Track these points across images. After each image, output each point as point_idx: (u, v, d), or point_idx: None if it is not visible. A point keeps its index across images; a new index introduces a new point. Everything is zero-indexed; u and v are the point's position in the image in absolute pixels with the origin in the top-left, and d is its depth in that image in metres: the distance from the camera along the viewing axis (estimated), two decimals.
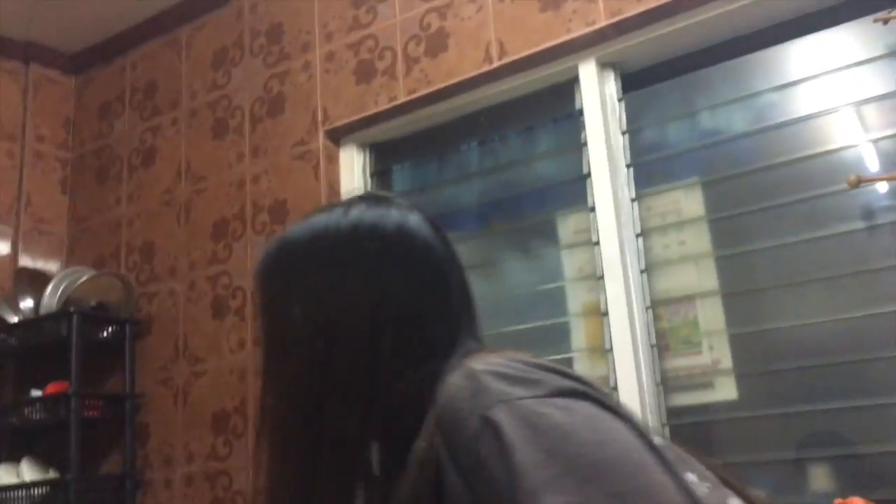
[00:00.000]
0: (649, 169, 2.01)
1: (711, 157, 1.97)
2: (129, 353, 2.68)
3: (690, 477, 0.62)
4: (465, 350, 0.71)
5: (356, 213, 0.75)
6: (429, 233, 0.76)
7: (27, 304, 2.74)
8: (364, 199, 0.77)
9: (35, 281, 2.78)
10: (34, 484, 2.49)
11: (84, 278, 2.67)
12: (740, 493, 0.69)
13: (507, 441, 0.57)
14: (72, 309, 2.56)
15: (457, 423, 0.61)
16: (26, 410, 2.58)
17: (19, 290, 2.78)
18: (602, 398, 0.62)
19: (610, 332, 1.91)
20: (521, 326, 2.11)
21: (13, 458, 2.61)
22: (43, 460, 2.60)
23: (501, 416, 0.58)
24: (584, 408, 0.59)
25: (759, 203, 1.85)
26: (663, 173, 2.00)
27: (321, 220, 0.76)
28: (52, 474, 2.54)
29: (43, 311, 2.65)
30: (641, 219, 1.98)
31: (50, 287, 2.66)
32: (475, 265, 2.26)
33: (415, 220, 0.76)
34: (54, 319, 2.59)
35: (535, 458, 0.55)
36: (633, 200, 1.98)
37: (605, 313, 1.93)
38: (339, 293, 0.71)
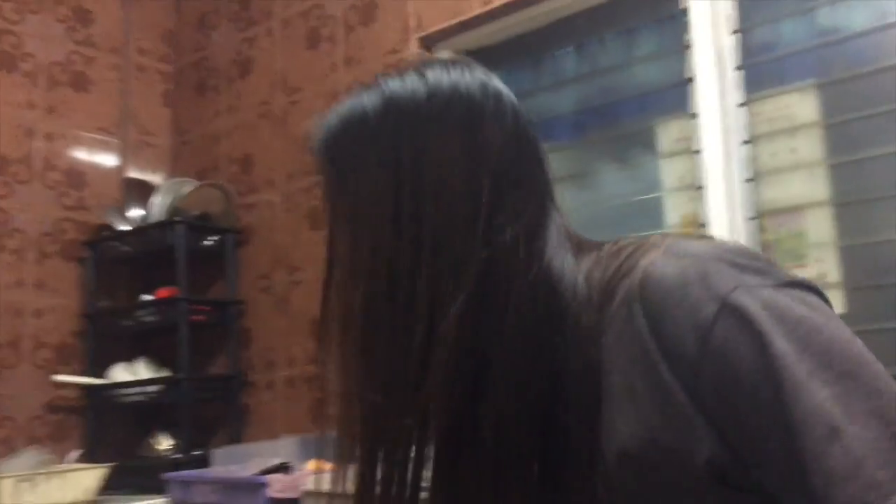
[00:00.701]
0: (760, 71, 1.89)
1: (828, 58, 1.83)
2: (230, 261, 2.79)
3: None
4: (564, 222, 0.69)
5: (433, 76, 0.69)
6: (511, 95, 0.71)
7: (136, 213, 2.87)
8: (438, 62, 0.71)
9: (142, 191, 2.90)
10: (149, 381, 2.67)
11: (188, 189, 2.76)
12: None
13: (759, 328, 0.53)
14: (177, 218, 2.67)
15: (682, 309, 0.55)
16: (139, 313, 2.74)
17: (128, 199, 2.91)
18: (821, 291, 0.59)
19: None
20: (617, 238, 2.06)
21: (129, 357, 2.79)
22: (156, 360, 2.77)
23: (748, 302, 0.54)
24: (818, 302, 0.56)
25: (878, 107, 1.71)
26: (775, 76, 1.88)
27: (395, 85, 0.69)
28: (165, 373, 2.71)
29: (150, 219, 2.77)
30: (749, 125, 1.87)
31: (156, 197, 2.77)
32: (570, 175, 2.21)
33: (497, 82, 0.70)
34: (161, 228, 2.71)
35: (793, 348, 0.52)
36: (740, 105, 1.88)
37: (705, 225, 1.86)
38: (428, 156, 0.66)
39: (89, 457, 2.60)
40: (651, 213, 2.03)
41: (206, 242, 2.76)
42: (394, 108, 0.68)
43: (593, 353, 0.61)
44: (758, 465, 0.53)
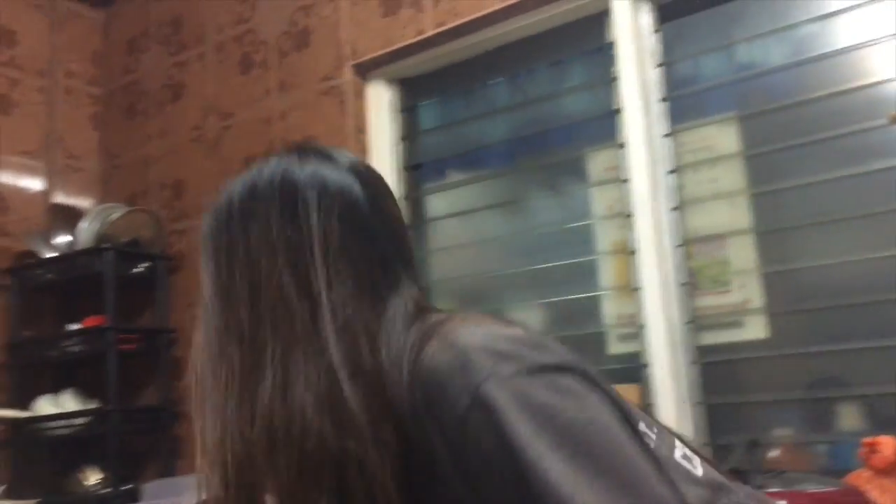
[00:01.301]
0: (683, 104, 1.96)
1: (747, 91, 1.91)
2: (161, 288, 2.73)
3: (642, 426, 0.70)
4: (412, 300, 0.75)
5: (272, 167, 0.78)
6: (348, 181, 0.78)
7: (62, 239, 2.79)
8: (290, 152, 0.80)
9: (69, 217, 2.82)
10: (76, 414, 2.58)
11: (117, 215, 2.70)
12: (681, 440, 0.77)
13: (501, 417, 0.60)
14: (105, 245, 2.61)
15: (445, 398, 0.62)
16: (65, 343, 2.65)
17: (54, 225, 2.82)
18: (584, 370, 0.65)
19: (639, 270, 1.90)
20: (548, 265, 2.10)
21: (55, 388, 2.70)
22: (84, 392, 2.68)
23: (493, 393, 0.60)
24: (570, 384, 0.63)
25: (795, 139, 1.79)
26: (697, 108, 1.95)
27: (245, 178, 0.79)
28: (93, 405, 2.63)
29: (78, 246, 2.70)
30: (674, 155, 1.94)
31: (84, 223, 2.70)
32: (502, 203, 2.24)
33: (329, 170, 0.78)
34: (89, 255, 2.63)
35: (532, 432, 0.59)
36: (665, 136, 1.94)
37: (634, 251, 1.91)
38: (259, 243, 0.74)
39: (13, 492, 2.49)
40: (582, 240, 2.07)
41: (136, 269, 2.70)
42: (235, 199, 0.78)
43: (405, 412, 0.67)
44: None
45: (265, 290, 0.73)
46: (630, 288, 1.95)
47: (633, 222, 1.92)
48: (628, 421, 0.64)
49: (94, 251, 2.63)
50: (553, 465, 0.58)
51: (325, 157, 0.80)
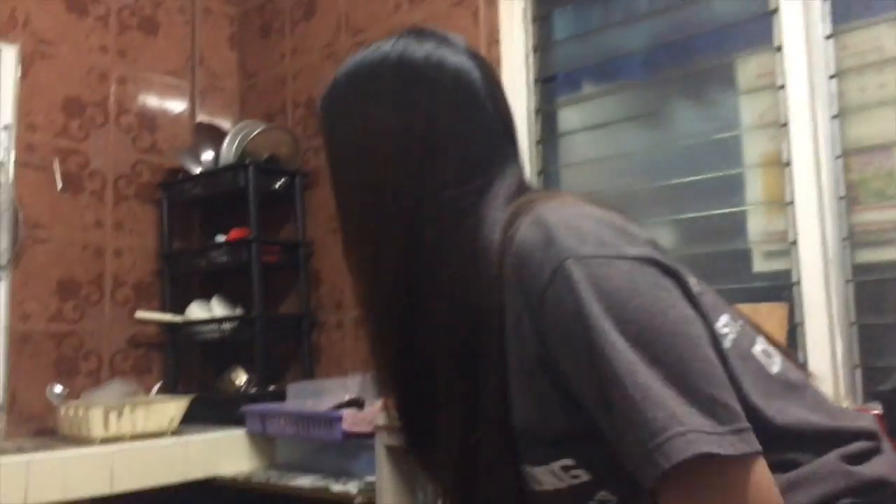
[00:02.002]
0: (847, 2, 1.80)
1: None
2: (299, 203, 2.83)
3: (723, 320, 0.72)
4: (515, 181, 0.79)
5: (388, 47, 0.81)
6: (466, 63, 0.80)
7: (207, 156, 2.92)
8: (408, 33, 0.83)
9: (212, 135, 2.95)
10: (224, 319, 2.75)
11: (256, 132, 2.80)
12: (767, 337, 0.78)
13: (577, 292, 0.64)
14: (247, 161, 2.71)
15: (530, 270, 0.68)
16: (212, 254, 2.81)
17: (198, 142, 2.96)
18: (663, 263, 0.68)
19: (792, 183, 1.79)
20: (690, 178, 2.02)
21: (204, 296, 2.88)
22: (230, 299, 2.85)
23: (573, 270, 0.65)
24: (646, 274, 0.66)
25: None
26: (864, 6, 1.78)
27: (361, 56, 0.83)
28: (238, 312, 2.79)
29: (222, 162, 2.82)
30: (836, 58, 1.79)
31: (227, 140, 2.81)
32: (643, 114, 2.16)
33: (448, 51, 0.80)
34: (232, 170, 2.75)
35: (600, 310, 0.63)
36: (827, 37, 1.79)
37: (788, 163, 1.80)
38: (374, 119, 0.79)
39: (170, 389, 2.71)
40: (729, 152, 1.97)
41: (275, 185, 2.80)
42: (353, 77, 0.82)
43: (498, 297, 0.72)
44: (588, 405, 0.66)
45: (379, 166, 0.78)
46: (781, 202, 1.84)
47: (787, 132, 1.80)
48: (704, 319, 0.67)
49: (236, 167, 2.74)
50: (617, 344, 0.62)
51: (442, 39, 0.82)
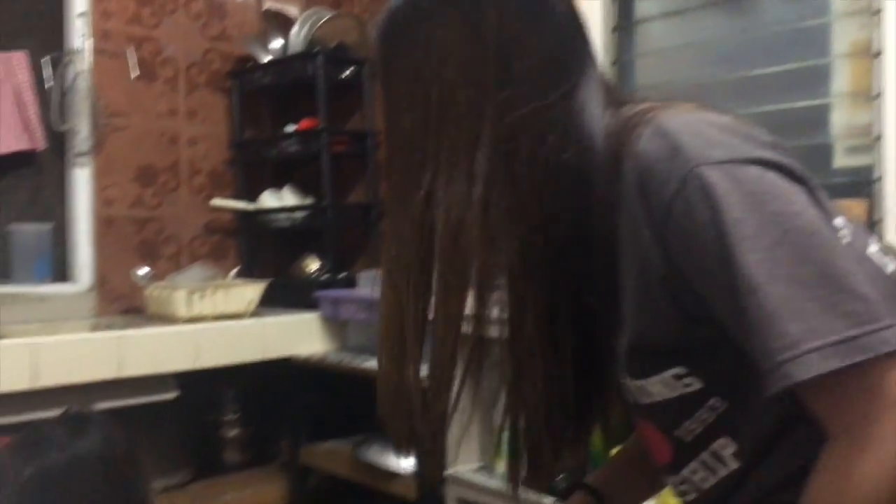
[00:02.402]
0: None
1: None
2: (367, 92, 2.82)
3: (839, 221, 0.69)
4: (599, 84, 0.77)
5: None
6: None
7: (276, 44, 2.92)
8: None
9: (280, 22, 2.93)
10: (295, 208, 2.83)
11: (324, 19, 2.77)
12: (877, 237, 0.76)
13: (712, 194, 0.63)
14: (316, 49, 2.70)
15: (655, 182, 0.66)
16: (283, 143, 2.86)
17: (268, 30, 2.96)
18: (790, 166, 0.66)
19: (881, 75, 1.71)
20: (772, 69, 1.94)
21: (276, 184, 2.95)
22: (301, 188, 2.91)
23: (706, 174, 0.64)
24: (775, 178, 0.65)
25: None
26: None
27: None
28: (309, 200, 2.86)
29: (290, 50, 2.82)
30: None
31: (295, 28, 2.80)
32: (724, 0, 2.06)
33: None
34: (301, 59, 2.75)
35: (738, 212, 0.62)
36: None
37: (878, 53, 1.72)
38: (441, 42, 0.75)
39: (246, 274, 2.83)
40: (815, 41, 1.88)
41: (344, 74, 2.79)
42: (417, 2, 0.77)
43: (610, 197, 0.70)
44: (713, 305, 0.66)
45: (455, 89, 0.74)
46: (867, 95, 1.77)
47: (880, 20, 1.70)
48: (828, 220, 0.66)
49: (305, 55, 2.74)
50: (755, 251, 0.61)
51: None
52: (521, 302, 0.72)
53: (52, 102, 2.58)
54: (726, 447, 0.72)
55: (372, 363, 2.26)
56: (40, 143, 2.52)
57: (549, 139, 0.71)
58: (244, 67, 2.95)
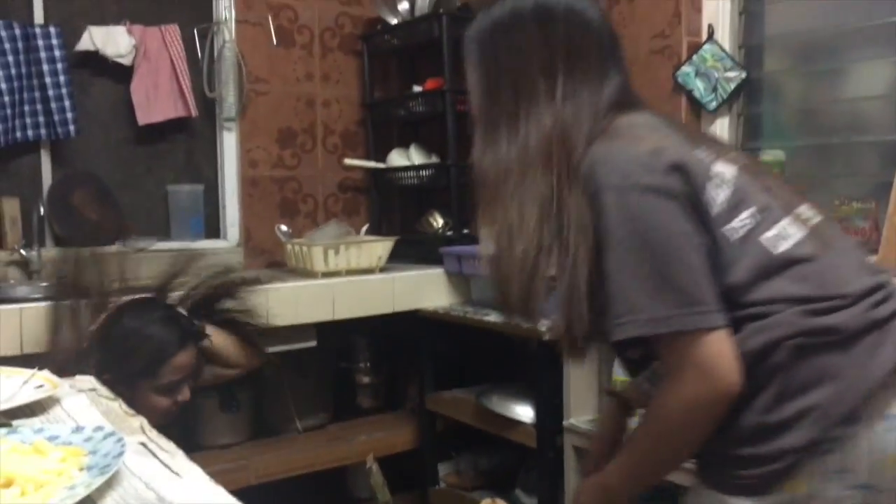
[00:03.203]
0: None
1: None
2: None
3: (745, 214, 0.98)
4: (617, 86, 1.09)
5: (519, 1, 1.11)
6: (593, 11, 1.11)
7: (403, 6, 3.01)
8: None
9: None
10: (421, 167, 2.94)
11: None
12: (799, 216, 1.02)
13: (605, 210, 0.97)
14: (441, 10, 2.77)
15: (588, 181, 1.00)
16: (410, 104, 2.96)
17: None
18: (667, 188, 0.96)
19: None
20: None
21: (403, 144, 3.07)
22: (426, 147, 3.02)
23: (603, 196, 0.98)
24: (650, 200, 0.95)
25: None
26: None
27: (500, 6, 1.12)
28: (433, 159, 2.96)
29: (417, 12, 2.90)
30: None
31: None
32: None
33: (581, 4, 1.11)
34: (427, 21, 2.83)
35: (617, 222, 0.96)
36: None
37: None
38: (523, 45, 1.09)
39: (375, 230, 2.99)
40: None
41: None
42: (508, 17, 1.11)
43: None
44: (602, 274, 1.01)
45: (523, 84, 1.08)
46: None
47: None
48: (707, 226, 0.96)
49: (431, 17, 2.82)
50: (614, 251, 0.96)
51: None
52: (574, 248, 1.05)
53: (203, 71, 2.80)
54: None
55: (494, 316, 2.37)
56: (193, 109, 2.75)
57: (584, 120, 1.06)
58: (374, 30, 3.06)
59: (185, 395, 1.55)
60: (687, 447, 0.98)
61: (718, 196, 0.97)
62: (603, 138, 1.02)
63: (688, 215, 0.95)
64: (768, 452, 0.92)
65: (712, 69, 2.30)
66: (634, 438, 1.06)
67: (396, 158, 3.03)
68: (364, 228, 2.86)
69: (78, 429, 0.86)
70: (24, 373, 1.10)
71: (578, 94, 1.06)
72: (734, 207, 0.97)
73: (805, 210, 1.03)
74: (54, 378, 1.10)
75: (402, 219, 3.20)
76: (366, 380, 2.85)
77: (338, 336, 2.64)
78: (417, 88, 2.95)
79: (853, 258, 1.02)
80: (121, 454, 0.76)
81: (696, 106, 2.35)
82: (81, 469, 0.75)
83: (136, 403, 1.41)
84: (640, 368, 1.20)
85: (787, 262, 0.96)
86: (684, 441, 0.96)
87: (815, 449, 0.90)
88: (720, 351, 0.91)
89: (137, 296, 1.64)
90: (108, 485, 0.73)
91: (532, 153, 1.06)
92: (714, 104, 2.31)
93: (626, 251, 0.94)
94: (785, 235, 0.97)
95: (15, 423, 0.94)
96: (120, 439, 0.81)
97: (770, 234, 0.97)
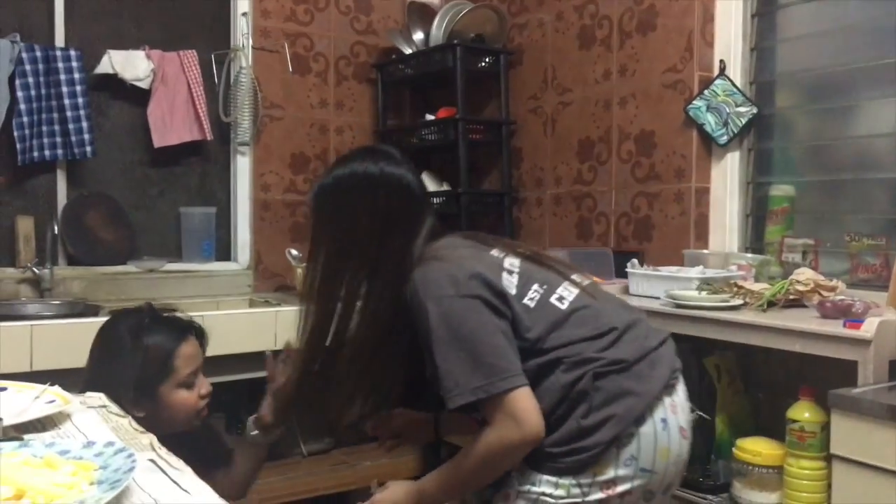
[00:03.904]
0: None
1: None
2: (503, 82, 2.91)
3: (533, 289, 1.33)
4: (430, 226, 1.39)
5: (355, 166, 1.41)
6: (407, 176, 1.40)
7: (418, 36, 3.06)
8: (374, 154, 1.43)
9: (423, 14, 3.06)
10: (432, 194, 2.96)
11: (464, 11, 2.87)
12: (573, 282, 1.38)
13: (427, 315, 1.27)
14: (455, 41, 2.81)
15: (413, 298, 1.30)
16: (423, 132, 2.99)
17: (411, 23, 3.09)
18: (470, 293, 1.27)
19: None
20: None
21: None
22: (438, 175, 3.04)
23: (426, 304, 1.27)
24: (460, 303, 1.26)
25: None
26: None
27: (344, 168, 1.42)
28: (445, 187, 2.98)
29: (431, 42, 2.94)
30: None
31: (436, 20, 2.92)
32: None
33: (399, 170, 1.40)
34: (441, 51, 2.87)
35: (436, 322, 1.26)
36: None
37: None
38: (353, 213, 1.38)
39: None
40: None
41: (481, 64, 2.89)
42: (340, 183, 1.41)
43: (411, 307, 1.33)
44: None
45: (358, 237, 1.37)
46: None
47: None
48: (504, 310, 1.28)
49: (444, 47, 2.86)
50: (438, 344, 1.25)
51: (390, 157, 1.41)
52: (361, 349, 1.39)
53: (219, 96, 2.84)
54: None
55: None
56: (208, 133, 2.78)
57: (401, 257, 1.35)
58: (388, 59, 3.11)
59: (206, 387, 1.56)
60: (498, 473, 1.31)
61: (513, 280, 1.31)
62: (420, 265, 1.31)
63: (489, 308, 1.27)
64: (584, 445, 1.25)
65: (723, 104, 2.32)
66: (458, 462, 1.33)
67: None
68: None
69: (89, 444, 0.87)
70: (36, 388, 1.11)
71: (394, 246, 1.36)
72: (524, 286, 1.31)
73: (576, 277, 1.39)
74: (65, 394, 1.11)
75: None
76: None
77: None
78: (430, 117, 2.98)
79: (615, 302, 1.42)
80: (131, 469, 0.77)
81: (707, 140, 2.37)
82: (92, 483, 0.76)
83: (162, 411, 1.44)
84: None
85: (569, 313, 1.31)
86: (498, 469, 1.31)
87: (616, 442, 1.24)
88: (525, 406, 1.24)
89: (121, 308, 1.66)
90: (118, 500, 0.73)
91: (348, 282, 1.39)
92: (725, 138, 2.33)
93: (446, 344, 1.24)
94: (565, 296, 1.33)
95: (26, 437, 0.95)
96: (130, 455, 0.81)
97: (554, 297, 1.32)
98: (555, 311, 1.30)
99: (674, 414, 1.30)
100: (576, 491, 1.26)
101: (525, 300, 1.30)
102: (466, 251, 1.35)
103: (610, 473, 1.25)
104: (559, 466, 1.27)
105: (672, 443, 1.28)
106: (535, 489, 1.28)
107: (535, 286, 1.32)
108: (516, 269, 1.33)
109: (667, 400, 1.30)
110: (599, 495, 1.25)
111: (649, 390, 1.27)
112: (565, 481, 1.26)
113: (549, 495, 1.27)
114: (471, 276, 1.27)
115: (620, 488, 1.25)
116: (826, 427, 1.55)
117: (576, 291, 1.35)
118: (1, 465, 0.75)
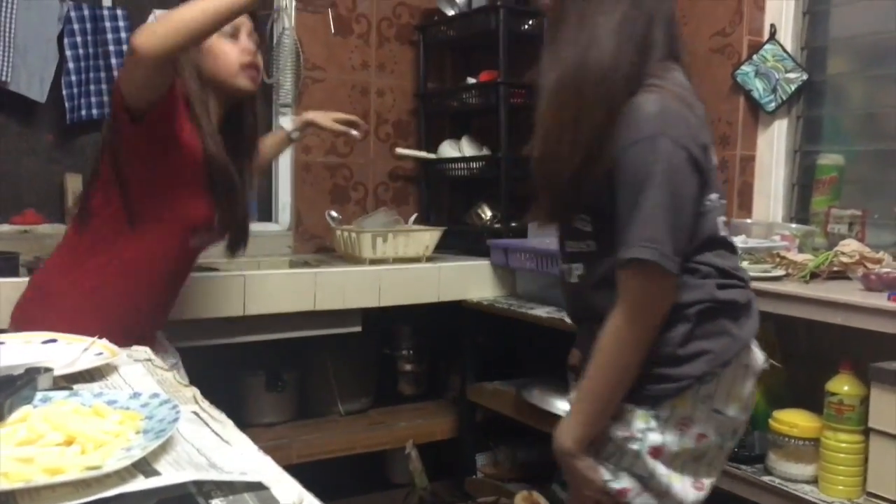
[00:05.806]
0: None
1: None
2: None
3: (713, 196, 1.26)
4: (660, 64, 1.25)
5: None
6: None
7: None
8: None
9: None
10: (472, 158, 2.95)
11: None
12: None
13: (659, 149, 1.17)
14: (499, 2, 2.77)
15: (628, 128, 1.19)
16: (464, 95, 2.97)
17: None
18: (694, 154, 1.19)
19: None
20: None
21: (455, 135, 3.09)
22: (478, 139, 3.03)
23: (661, 139, 1.17)
24: (691, 169, 1.19)
25: None
26: None
27: None
28: (485, 151, 2.97)
29: (474, 4, 2.91)
30: None
31: None
32: None
33: None
34: (484, 13, 2.84)
35: (663, 167, 1.16)
36: None
37: None
38: (597, 25, 1.26)
39: (423, 220, 3.01)
40: None
41: (524, 26, 2.85)
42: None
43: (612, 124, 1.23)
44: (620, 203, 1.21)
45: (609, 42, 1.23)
46: None
47: None
48: (701, 188, 1.21)
49: (488, 9, 2.82)
50: (659, 188, 1.16)
51: None
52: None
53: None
54: (578, 269, 1.35)
55: (539, 311, 2.37)
56: None
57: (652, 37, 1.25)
58: (431, 21, 3.08)
59: (250, 47, 1.62)
60: (638, 355, 1.22)
61: (710, 166, 1.25)
62: (662, 90, 1.20)
63: (698, 173, 1.20)
64: (672, 374, 1.23)
65: (773, 70, 2.26)
66: (595, 356, 1.24)
67: (448, 149, 3.04)
68: (413, 218, 2.88)
69: (135, 395, 0.90)
70: (85, 340, 1.15)
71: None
72: (709, 185, 1.24)
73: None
74: (113, 347, 1.15)
75: (450, 210, 3.22)
76: (408, 367, 2.88)
77: (382, 323, 2.67)
78: (471, 80, 2.96)
79: (737, 253, 1.38)
80: (175, 420, 0.79)
81: (754, 106, 2.31)
82: (138, 432, 0.79)
83: (203, 59, 1.57)
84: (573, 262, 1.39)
85: (720, 243, 1.28)
86: (635, 349, 1.21)
87: (702, 378, 1.24)
88: (669, 294, 1.21)
89: None
90: (163, 448, 0.76)
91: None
92: (773, 105, 2.28)
93: (665, 194, 1.16)
94: (721, 225, 1.29)
95: (76, 387, 0.99)
96: (175, 406, 0.84)
97: (721, 220, 1.29)
98: (715, 234, 1.27)
99: (755, 361, 1.31)
100: (654, 424, 1.24)
101: (706, 201, 1.25)
102: (698, 117, 1.26)
103: (687, 410, 1.24)
104: (642, 395, 1.24)
105: (746, 389, 1.29)
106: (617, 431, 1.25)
107: (716, 195, 1.27)
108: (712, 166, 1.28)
109: (753, 347, 1.31)
110: (676, 433, 1.24)
111: (744, 336, 1.28)
112: (642, 411, 1.24)
113: (636, 429, 1.24)
114: (702, 148, 1.22)
115: (696, 429, 1.25)
116: (865, 401, 1.54)
117: (725, 226, 1.32)
118: (52, 413, 0.78)
